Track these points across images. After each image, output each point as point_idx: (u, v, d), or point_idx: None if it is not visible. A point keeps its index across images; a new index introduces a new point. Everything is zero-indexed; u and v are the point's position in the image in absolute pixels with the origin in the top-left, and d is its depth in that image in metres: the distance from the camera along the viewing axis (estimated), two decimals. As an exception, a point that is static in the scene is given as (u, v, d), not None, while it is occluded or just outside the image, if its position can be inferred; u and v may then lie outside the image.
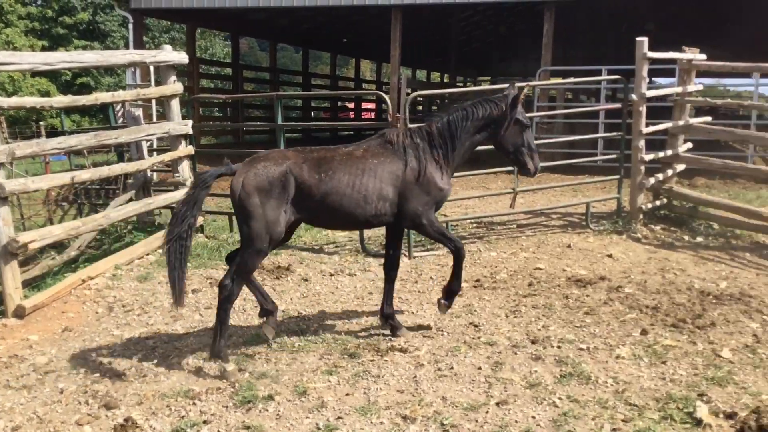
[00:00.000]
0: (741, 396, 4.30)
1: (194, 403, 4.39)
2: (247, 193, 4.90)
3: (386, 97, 8.22)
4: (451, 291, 5.57)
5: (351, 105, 34.88)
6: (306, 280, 7.19)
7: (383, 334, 5.51)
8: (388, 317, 5.60)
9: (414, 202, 5.27)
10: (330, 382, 4.66)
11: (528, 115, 12.35)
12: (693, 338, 5.32)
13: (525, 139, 5.56)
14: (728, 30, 23.38)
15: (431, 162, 5.34)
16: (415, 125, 5.66)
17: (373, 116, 32.19)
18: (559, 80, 15.49)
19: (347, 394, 4.47)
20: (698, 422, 3.92)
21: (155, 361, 5.10)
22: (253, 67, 35.35)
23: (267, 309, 5.41)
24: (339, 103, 34.21)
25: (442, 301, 5.58)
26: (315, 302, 6.46)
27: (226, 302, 4.96)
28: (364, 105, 32.72)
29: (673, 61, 9.37)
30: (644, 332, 5.42)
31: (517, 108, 5.49)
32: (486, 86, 29.37)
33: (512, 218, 9.63)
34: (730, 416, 3.99)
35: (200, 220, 9.12)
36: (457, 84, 34.65)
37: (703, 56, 8.97)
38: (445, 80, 35.66)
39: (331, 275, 7.36)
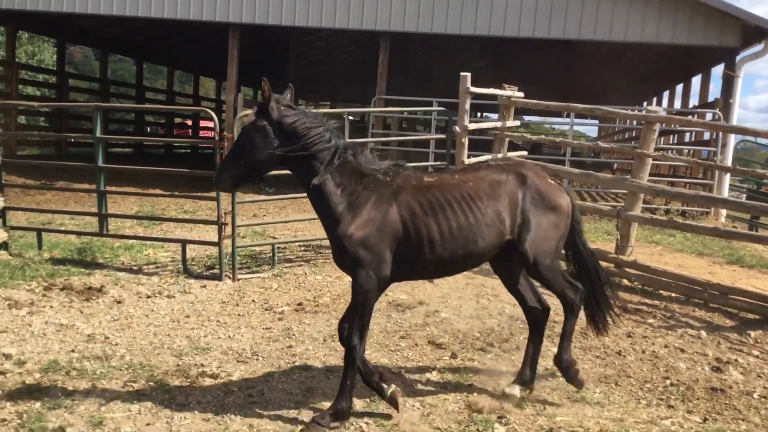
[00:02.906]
0: (537, 418, 4.52)
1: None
2: None
3: (212, 113, 8.00)
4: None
5: (189, 122, 33.90)
6: (119, 302, 6.78)
7: (195, 360, 5.28)
8: None
9: None
10: (131, 411, 4.38)
11: (363, 140, 12.56)
12: (499, 361, 5.57)
13: None
14: (553, 73, 25.26)
15: None
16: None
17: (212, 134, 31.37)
18: (391, 109, 15.98)
19: (148, 424, 4.22)
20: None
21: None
22: (79, 76, 33.35)
23: None
24: (179, 120, 33.17)
25: None
26: (126, 326, 6.09)
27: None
28: (203, 123, 31.91)
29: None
30: (454, 356, 5.59)
31: None
32: (325, 110, 29.62)
33: (341, 242, 9.68)
34: (524, 436, 4.18)
35: (5, 236, 8.39)
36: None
37: (521, 94, 9.56)
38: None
39: (148, 297, 6.99)
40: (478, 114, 34.97)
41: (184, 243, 8.12)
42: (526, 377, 4.84)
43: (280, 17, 15.60)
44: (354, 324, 4.33)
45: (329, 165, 4.32)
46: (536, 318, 4.97)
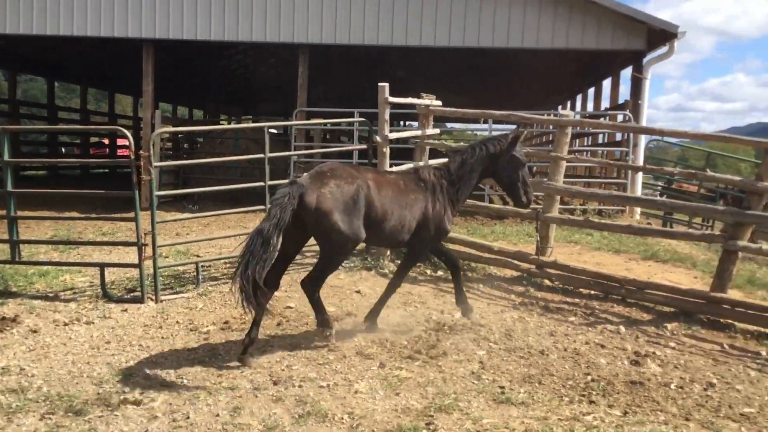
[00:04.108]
0: (464, 422, 4.58)
1: None
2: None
3: (126, 132, 7.81)
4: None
5: (107, 141, 32.99)
6: (35, 331, 6.50)
7: (117, 387, 5.13)
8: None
9: (425, 234, 6.20)
10: (48, 445, 4.22)
11: (288, 154, 12.63)
12: (426, 368, 5.62)
13: (520, 174, 6.38)
14: (472, 80, 25.71)
15: (448, 201, 6.25)
16: (439, 163, 6.65)
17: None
18: (313, 121, 15.96)
19: (66, 457, 4.07)
20: (424, 450, 4.10)
21: None
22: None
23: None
24: (95, 140, 32.26)
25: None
26: (42, 356, 5.85)
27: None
28: (121, 141, 31.08)
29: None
30: (382, 365, 5.62)
31: (516, 146, 6.36)
32: (247, 124, 29.29)
33: (267, 257, 9.58)
34: (452, 441, 4.23)
35: None
36: (221, 122, 34.28)
37: (439, 102, 9.71)
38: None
39: (65, 325, 6.74)
40: (402, 123, 35.27)
41: (102, 266, 7.88)
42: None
43: (195, 32, 15.37)
44: None
45: None
46: None
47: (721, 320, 7.39)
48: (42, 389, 5.10)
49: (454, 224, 6.58)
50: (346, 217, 5.54)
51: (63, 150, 32.15)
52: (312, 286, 5.83)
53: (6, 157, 7.87)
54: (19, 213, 8.41)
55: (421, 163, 8.81)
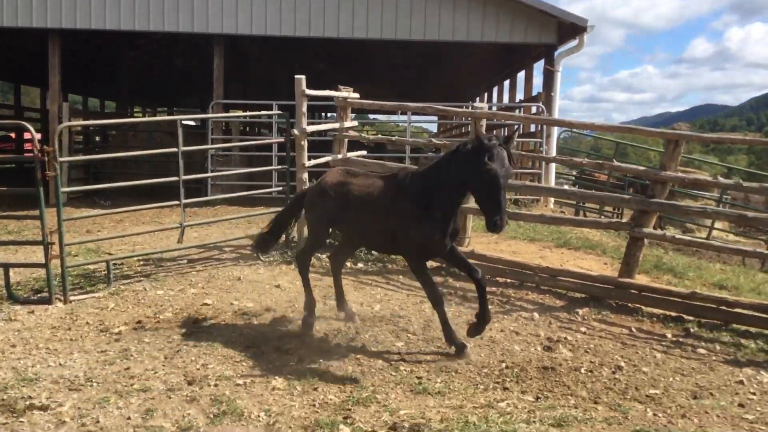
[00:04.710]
0: (382, 414, 4.61)
1: None
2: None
3: (29, 126, 7.48)
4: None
5: (13, 135, 31.49)
6: (-67, 337, 6.16)
7: (22, 392, 4.91)
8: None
9: (401, 242, 5.91)
10: (-54, 457, 4.01)
11: (204, 147, 12.24)
12: (344, 361, 5.62)
13: (486, 190, 5.09)
14: (394, 72, 25.84)
15: (421, 207, 5.66)
16: (422, 169, 6.01)
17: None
18: (230, 114, 15.68)
19: (-34, 470, 3.88)
20: (339, 444, 4.11)
21: None
22: None
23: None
24: (1, 134, 30.79)
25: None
26: (-59, 363, 5.55)
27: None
28: (28, 135, 29.74)
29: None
30: (300, 360, 5.59)
31: (483, 152, 5.06)
32: (160, 117, 28.56)
33: (183, 253, 9.37)
34: (370, 435, 4.25)
35: None
36: (135, 114, 33.26)
37: (356, 95, 9.70)
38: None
39: (-33, 329, 6.41)
40: (324, 115, 35.09)
41: (6, 267, 7.52)
42: None
43: (103, 21, 14.82)
44: None
45: None
46: None
47: (629, 304, 7.69)
48: (-60, 398, 4.83)
49: (434, 233, 5.63)
50: (314, 213, 6.53)
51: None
52: (299, 260, 6.81)
53: None
54: None
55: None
